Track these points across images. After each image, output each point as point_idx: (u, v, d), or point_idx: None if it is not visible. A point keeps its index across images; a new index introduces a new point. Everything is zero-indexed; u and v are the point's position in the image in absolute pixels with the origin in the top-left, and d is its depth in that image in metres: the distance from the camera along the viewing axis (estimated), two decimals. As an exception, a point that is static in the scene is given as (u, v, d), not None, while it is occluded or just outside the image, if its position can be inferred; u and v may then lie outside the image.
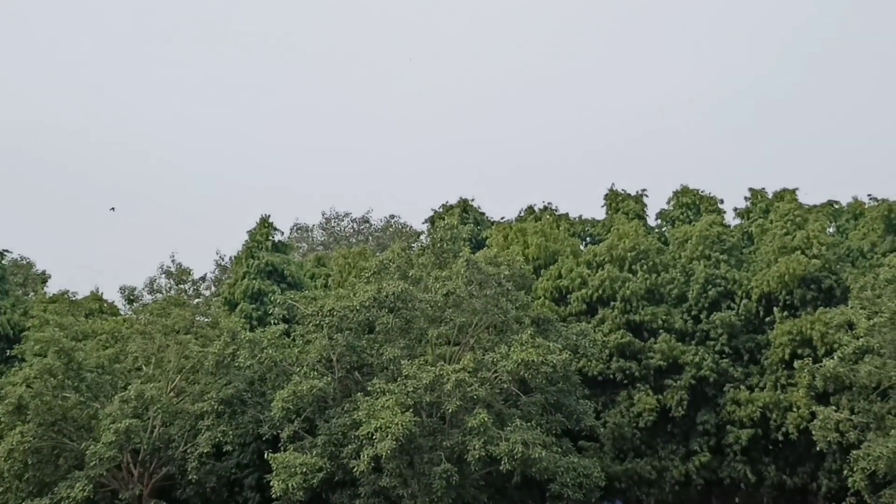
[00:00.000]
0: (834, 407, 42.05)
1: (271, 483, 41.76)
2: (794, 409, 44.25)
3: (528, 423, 41.67)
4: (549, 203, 59.21)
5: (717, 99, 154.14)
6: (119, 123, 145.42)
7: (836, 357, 41.46)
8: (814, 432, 42.10)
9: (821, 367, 42.33)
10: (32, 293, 63.03)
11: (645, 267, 49.47)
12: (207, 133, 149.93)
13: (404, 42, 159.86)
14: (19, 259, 68.74)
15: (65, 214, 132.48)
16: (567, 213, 58.48)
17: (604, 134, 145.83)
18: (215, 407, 44.70)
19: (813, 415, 42.57)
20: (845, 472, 41.61)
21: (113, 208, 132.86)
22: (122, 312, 58.35)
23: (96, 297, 58.33)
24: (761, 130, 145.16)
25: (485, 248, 51.70)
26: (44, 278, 67.55)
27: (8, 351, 51.71)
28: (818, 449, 43.04)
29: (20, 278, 65.70)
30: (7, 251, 60.99)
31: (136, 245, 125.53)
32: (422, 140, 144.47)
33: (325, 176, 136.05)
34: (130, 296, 62.28)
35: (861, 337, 40.94)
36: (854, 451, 40.31)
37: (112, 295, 65.08)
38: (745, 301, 48.08)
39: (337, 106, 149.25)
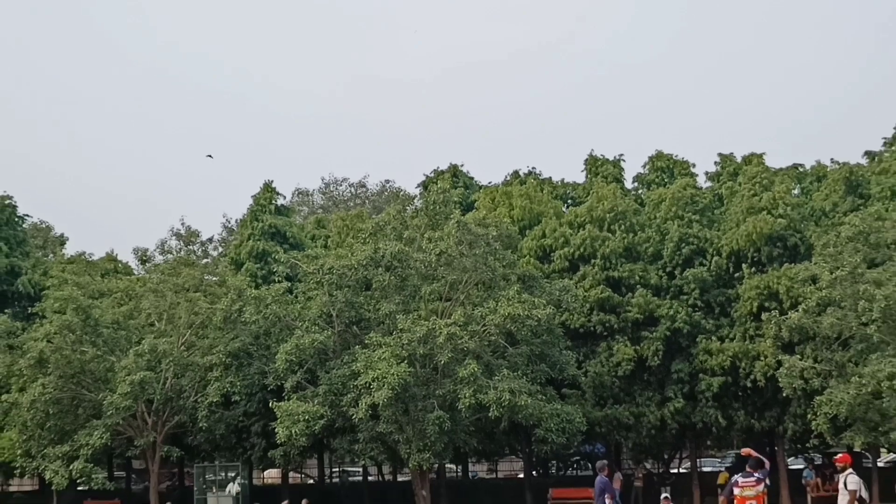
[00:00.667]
0: (798, 356, 42.12)
1: (276, 430, 42.05)
2: (762, 358, 44.32)
3: (515, 373, 41.70)
4: (532, 168, 59.07)
5: (689, 66, 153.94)
6: (130, 89, 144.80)
7: (800, 309, 41.45)
8: (780, 379, 42.16)
9: (786, 318, 42.30)
10: (51, 255, 62.92)
11: (623, 227, 49.35)
12: (209, 97, 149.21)
13: (406, 12, 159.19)
14: (39, 223, 68.56)
15: (80, 178, 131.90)
16: (550, 178, 58.34)
17: (584, 101, 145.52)
18: (223, 359, 44.89)
19: (779, 363, 42.59)
20: (809, 416, 41.71)
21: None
22: (135, 272, 58.27)
23: (111, 258, 58.26)
24: (732, 96, 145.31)
25: (474, 211, 51.59)
26: (62, 241, 67.38)
27: (29, 308, 51.64)
28: (784, 395, 43.21)
29: (40, 241, 65.59)
30: (27, 215, 60.88)
31: (149, 208, 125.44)
32: (416, 107, 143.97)
33: (325, 141, 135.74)
34: (143, 256, 62.28)
35: (823, 290, 40.94)
36: (817, 397, 40.42)
37: (126, 256, 64.94)
38: (715, 258, 48.02)
39: (337, 72, 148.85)
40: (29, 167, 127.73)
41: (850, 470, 20.16)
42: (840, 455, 22.44)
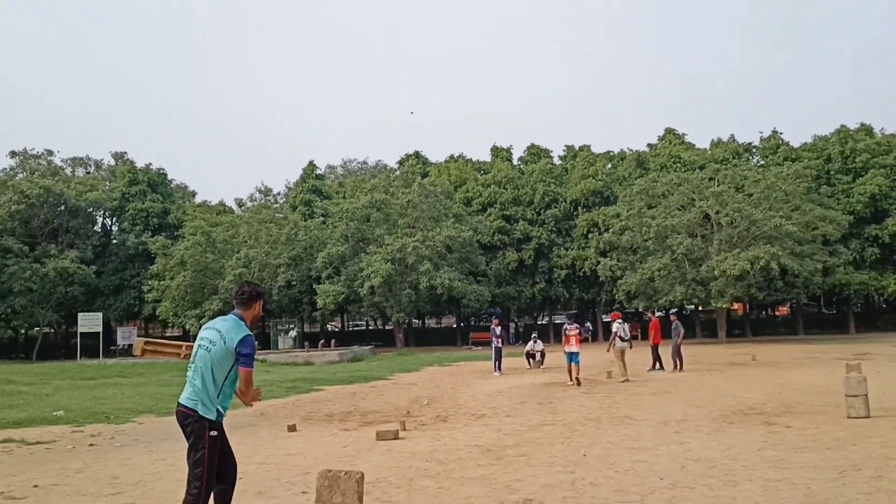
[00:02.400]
0: (609, 258, 42.63)
1: (317, 301, 42.13)
2: (588, 259, 44.78)
3: (451, 269, 41.91)
4: (462, 153, 58.64)
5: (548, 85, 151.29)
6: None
7: (610, 232, 41.86)
8: (599, 271, 42.72)
9: (602, 237, 42.78)
10: (187, 202, 61.85)
11: (511, 186, 49.22)
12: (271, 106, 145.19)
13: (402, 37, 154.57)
14: (180, 183, 67.20)
15: (202, 152, 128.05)
16: (472, 158, 57.88)
17: (491, 113, 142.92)
18: (286, 261, 44.54)
19: (598, 262, 43.15)
20: (614, 291, 42.31)
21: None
22: (235, 212, 57.66)
23: (222, 204, 57.73)
24: (573, 107, 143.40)
25: (428, 177, 51.32)
26: (193, 193, 66.18)
27: (175, 233, 51.09)
28: (601, 280, 43.77)
29: (180, 193, 64.31)
30: (173, 178, 59.95)
31: (242, 171, 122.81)
32: (395, 108, 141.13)
33: (342, 133, 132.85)
34: (240, 203, 61.54)
35: (623, 221, 41.30)
36: (619, 281, 40.98)
37: (230, 202, 63.92)
38: (563, 203, 48.12)
39: (353, 79, 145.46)
40: (172, 148, 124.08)
41: (620, 320, 20.36)
42: (613, 313, 22.79)
